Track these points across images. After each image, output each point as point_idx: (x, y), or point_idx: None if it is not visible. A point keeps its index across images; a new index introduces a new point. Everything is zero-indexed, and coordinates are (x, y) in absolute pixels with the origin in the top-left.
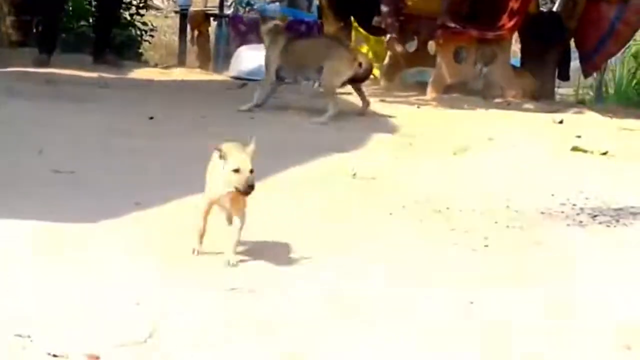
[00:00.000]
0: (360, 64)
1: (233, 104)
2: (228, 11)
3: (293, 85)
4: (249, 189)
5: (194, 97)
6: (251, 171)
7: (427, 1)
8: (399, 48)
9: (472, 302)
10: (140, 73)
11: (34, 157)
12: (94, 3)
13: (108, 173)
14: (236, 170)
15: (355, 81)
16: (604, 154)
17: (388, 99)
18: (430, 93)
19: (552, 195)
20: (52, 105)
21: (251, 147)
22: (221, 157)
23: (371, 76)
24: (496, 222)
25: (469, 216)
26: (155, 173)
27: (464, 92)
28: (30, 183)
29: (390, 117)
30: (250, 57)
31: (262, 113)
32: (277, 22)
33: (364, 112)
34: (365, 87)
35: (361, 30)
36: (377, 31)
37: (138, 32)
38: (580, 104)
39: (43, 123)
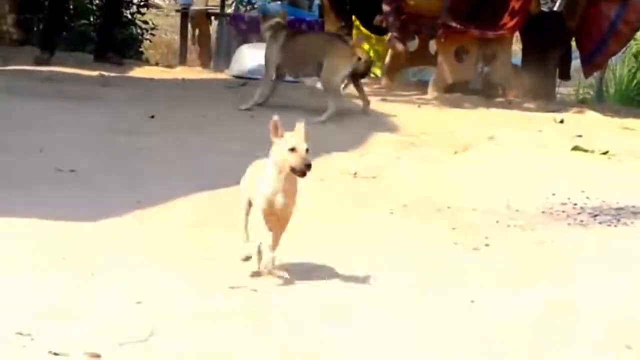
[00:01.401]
0: (359, 59)
1: (234, 103)
2: (229, 10)
3: (294, 83)
4: (306, 168)
5: (195, 95)
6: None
7: (428, 1)
8: (399, 47)
9: (473, 301)
10: (141, 72)
11: (35, 156)
12: (96, 2)
13: (109, 171)
14: (292, 150)
15: (355, 77)
16: (605, 153)
17: (389, 98)
18: (431, 92)
19: (553, 194)
20: (52, 104)
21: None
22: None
23: (372, 75)
24: (497, 222)
25: (469, 215)
26: (156, 171)
27: (465, 91)
28: (31, 181)
29: (391, 116)
30: (251, 56)
31: (262, 111)
32: (278, 19)
33: (365, 110)
34: (366, 86)
35: (362, 29)
36: (379, 30)
37: (139, 31)
38: (581, 103)
39: (44, 121)
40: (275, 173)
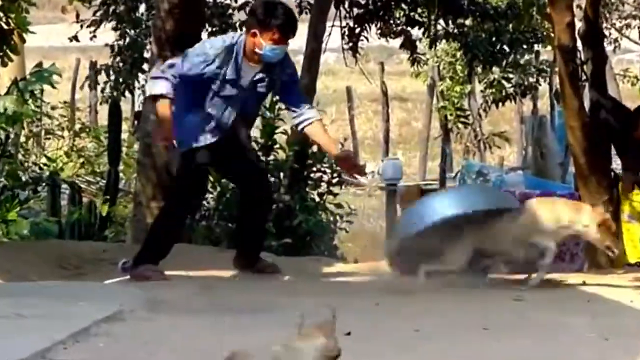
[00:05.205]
0: None
1: (460, 311)
2: (452, 184)
3: None
4: None
5: (404, 302)
6: None
7: None
8: None
9: None
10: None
11: None
12: None
13: None
14: None
15: None
16: None
17: None
18: None
19: None
20: (203, 322)
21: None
22: None
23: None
24: None
25: None
26: None
27: None
28: None
29: None
30: None
31: (495, 316)
32: None
33: None
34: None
35: (635, 205)
36: None
37: (331, 218)
38: None
39: (200, 347)
40: None
